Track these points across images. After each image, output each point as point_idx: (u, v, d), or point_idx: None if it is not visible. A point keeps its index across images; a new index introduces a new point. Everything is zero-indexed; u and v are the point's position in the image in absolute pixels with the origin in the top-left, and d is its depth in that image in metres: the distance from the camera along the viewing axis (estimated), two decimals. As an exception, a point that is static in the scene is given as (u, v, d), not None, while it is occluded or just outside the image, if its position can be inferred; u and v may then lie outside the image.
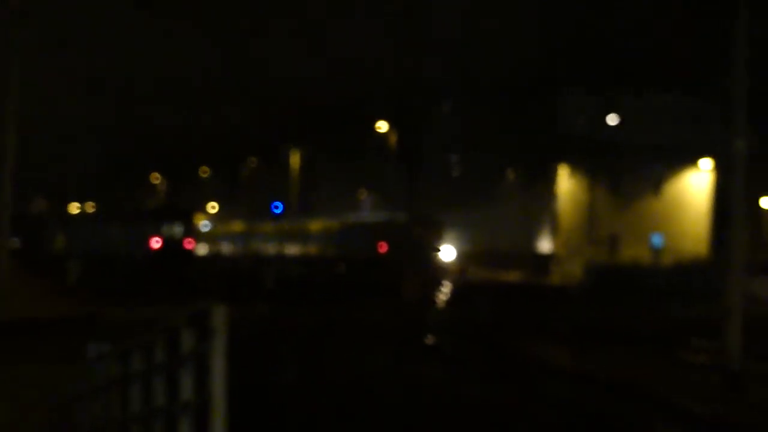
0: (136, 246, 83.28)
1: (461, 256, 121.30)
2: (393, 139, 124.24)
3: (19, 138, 40.47)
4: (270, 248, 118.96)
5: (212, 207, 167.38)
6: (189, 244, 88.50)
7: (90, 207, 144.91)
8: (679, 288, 67.97)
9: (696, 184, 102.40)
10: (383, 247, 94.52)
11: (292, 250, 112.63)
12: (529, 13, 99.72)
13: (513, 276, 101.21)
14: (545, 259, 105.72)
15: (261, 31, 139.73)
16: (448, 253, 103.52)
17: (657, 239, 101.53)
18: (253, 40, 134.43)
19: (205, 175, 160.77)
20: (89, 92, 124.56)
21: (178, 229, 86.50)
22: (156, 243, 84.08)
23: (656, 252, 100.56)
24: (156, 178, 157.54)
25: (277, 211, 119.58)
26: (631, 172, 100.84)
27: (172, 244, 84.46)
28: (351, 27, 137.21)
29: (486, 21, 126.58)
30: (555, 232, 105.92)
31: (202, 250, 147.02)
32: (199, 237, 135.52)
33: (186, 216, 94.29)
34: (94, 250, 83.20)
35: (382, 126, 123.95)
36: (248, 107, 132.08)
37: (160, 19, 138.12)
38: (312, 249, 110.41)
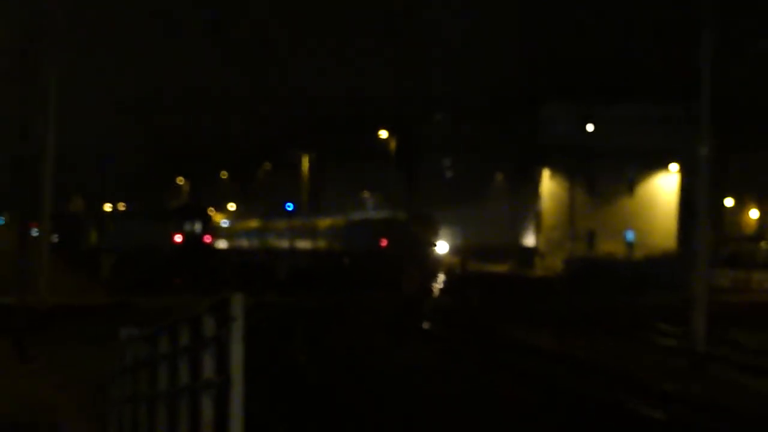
0: (161, 241, 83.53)
1: (458, 250, 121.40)
2: (393, 145, 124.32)
3: (57, 145, 40.45)
4: (282, 243, 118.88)
5: (231, 206, 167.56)
6: (207, 239, 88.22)
7: (121, 206, 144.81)
8: (650, 279, 67.98)
9: (665, 185, 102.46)
10: (384, 242, 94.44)
11: (302, 244, 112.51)
12: (513, 35, 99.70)
13: (500, 268, 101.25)
14: (529, 253, 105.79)
15: (277, 53, 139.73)
16: (442, 247, 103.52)
17: (630, 235, 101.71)
18: (269, 60, 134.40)
19: (224, 178, 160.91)
20: (122, 104, 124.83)
21: (197, 226, 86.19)
22: (178, 238, 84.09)
23: (629, 246, 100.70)
24: (180, 180, 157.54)
25: (290, 210, 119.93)
26: (607, 174, 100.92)
27: (192, 240, 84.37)
28: (358, 48, 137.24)
29: (476, 42, 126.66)
30: (538, 228, 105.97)
31: (221, 244, 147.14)
32: (216, 233, 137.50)
33: (204, 214, 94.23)
34: (124, 245, 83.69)
35: (383, 134, 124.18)
36: (263, 118, 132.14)
37: (187, 39, 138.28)
38: (320, 244, 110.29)
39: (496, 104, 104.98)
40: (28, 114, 33.14)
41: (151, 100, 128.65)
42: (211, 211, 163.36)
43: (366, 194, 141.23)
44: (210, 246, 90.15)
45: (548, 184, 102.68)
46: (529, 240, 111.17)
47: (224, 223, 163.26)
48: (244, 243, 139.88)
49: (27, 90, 32.56)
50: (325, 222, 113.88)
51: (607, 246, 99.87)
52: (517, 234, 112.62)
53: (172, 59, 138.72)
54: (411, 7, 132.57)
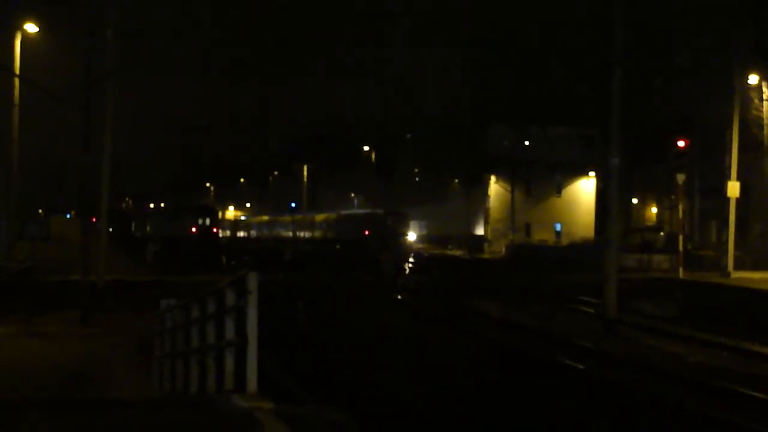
0: (182, 231, 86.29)
1: (421, 239, 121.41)
2: (373, 157, 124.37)
3: (113, 159, 40.36)
4: (287, 233, 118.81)
5: (248, 205, 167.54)
6: (214, 230, 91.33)
7: (162, 205, 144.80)
8: (573, 261, 68.01)
9: (585, 188, 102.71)
10: (366, 232, 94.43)
11: (303, 234, 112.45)
12: (466, 68, 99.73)
13: (457, 252, 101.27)
14: (479, 240, 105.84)
15: (279, 84, 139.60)
16: (412, 236, 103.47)
17: (558, 226, 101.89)
18: (274, 89, 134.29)
19: (242, 182, 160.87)
20: (163, 124, 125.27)
21: (207, 221, 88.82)
22: (194, 229, 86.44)
23: (558, 235, 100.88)
24: (208, 185, 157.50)
25: (293, 207, 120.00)
26: (540, 179, 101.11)
27: (203, 230, 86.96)
28: (346, 81, 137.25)
29: (437, 73, 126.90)
30: (486, 221, 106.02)
31: (240, 233, 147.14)
32: (223, 225, 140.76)
33: (212, 212, 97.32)
34: (159, 235, 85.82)
35: (366, 148, 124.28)
36: (272, 136, 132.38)
37: (215, 73, 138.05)
38: (317, 233, 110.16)
39: (452, 125, 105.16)
40: (90, 131, 33.00)
41: (187, 119, 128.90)
42: (231, 209, 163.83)
43: (352, 195, 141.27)
44: (216, 235, 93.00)
45: (494, 187, 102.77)
46: (479, 230, 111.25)
47: (242, 218, 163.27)
48: (257, 233, 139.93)
49: (89, 111, 32.41)
50: (320, 216, 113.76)
51: (541, 235, 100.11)
52: (470, 226, 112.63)
53: (203, 90, 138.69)
54: (384, 48, 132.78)
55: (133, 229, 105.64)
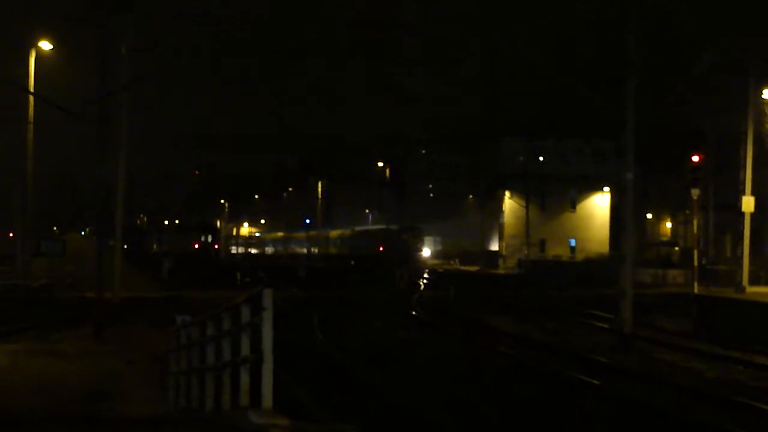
0: (187, 247, 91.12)
1: (435, 254, 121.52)
2: (387, 173, 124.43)
3: (128, 175, 40.58)
4: (302, 249, 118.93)
5: (262, 221, 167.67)
6: (215, 246, 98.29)
7: (176, 222, 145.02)
8: (588, 276, 67.92)
9: (599, 203, 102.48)
10: (381, 248, 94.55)
11: (317, 250, 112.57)
12: (479, 82, 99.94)
13: (471, 268, 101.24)
14: (494, 256, 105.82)
15: (294, 100, 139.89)
16: (426, 252, 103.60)
17: (572, 242, 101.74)
18: (290, 108, 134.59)
19: (257, 199, 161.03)
20: (181, 142, 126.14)
21: (209, 237, 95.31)
22: (196, 245, 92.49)
23: (572, 250, 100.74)
24: (222, 201, 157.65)
25: (307, 223, 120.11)
26: (554, 195, 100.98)
27: (205, 246, 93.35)
28: (357, 96, 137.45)
29: (449, 89, 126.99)
30: (501, 236, 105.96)
31: (255, 250, 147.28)
32: (237, 242, 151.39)
33: (214, 229, 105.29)
34: (169, 251, 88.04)
35: (380, 164, 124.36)
36: (286, 152, 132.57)
37: (231, 93, 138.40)
38: (331, 250, 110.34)
39: (466, 140, 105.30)
40: (105, 148, 33.16)
41: (201, 138, 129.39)
42: (245, 225, 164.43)
43: (367, 211, 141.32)
44: (217, 250, 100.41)
45: (509, 202, 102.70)
46: (494, 246, 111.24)
47: (257, 234, 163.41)
48: (272, 249, 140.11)
49: (105, 131, 32.58)
50: (335, 232, 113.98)
51: (555, 250, 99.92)
52: (485, 241, 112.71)
53: (217, 108, 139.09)
54: (398, 63, 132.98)
55: (149, 245, 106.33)
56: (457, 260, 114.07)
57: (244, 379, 11.94)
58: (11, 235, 62.76)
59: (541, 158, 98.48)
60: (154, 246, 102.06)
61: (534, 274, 77.52)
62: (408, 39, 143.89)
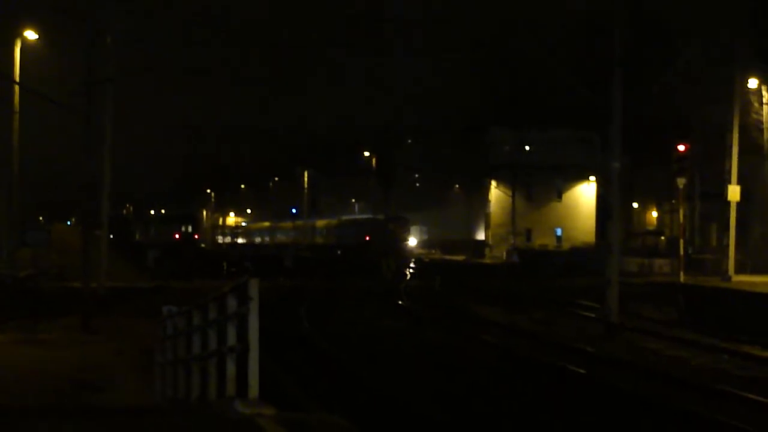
0: (167, 237, 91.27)
1: (422, 244, 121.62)
2: (374, 163, 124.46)
3: (113, 164, 40.53)
4: (288, 239, 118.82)
5: (248, 211, 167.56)
6: (196, 236, 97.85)
7: (163, 212, 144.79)
8: (574, 265, 67.99)
9: (586, 193, 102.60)
10: (367, 238, 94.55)
11: (304, 240, 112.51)
12: (466, 73, 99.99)
13: (458, 257, 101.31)
14: (480, 245, 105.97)
15: (280, 90, 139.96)
16: (413, 242, 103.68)
17: (558, 231, 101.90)
18: (278, 98, 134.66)
19: (243, 189, 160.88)
20: (169, 131, 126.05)
21: (189, 228, 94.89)
22: (177, 236, 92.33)
23: (558, 240, 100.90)
24: (208, 192, 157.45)
25: (294, 213, 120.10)
26: (540, 184, 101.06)
27: (186, 236, 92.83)
28: (346, 88, 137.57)
29: (436, 80, 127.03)
30: (487, 226, 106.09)
31: (239, 240, 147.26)
32: (223, 232, 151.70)
33: (194, 219, 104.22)
34: (153, 241, 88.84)
35: (366, 154, 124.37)
36: (273, 142, 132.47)
37: (218, 84, 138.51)
38: (318, 239, 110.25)
39: (453, 130, 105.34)
40: (90, 137, 33.11)
41: (188, 128, 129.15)
42: (231, 215, 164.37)
43: (353, 200, 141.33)
44: (197, 241, 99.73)
45: (495, 192, 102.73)
46: (480, 235, 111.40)
47: (243, 224, 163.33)
48: (258, 239, 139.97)
49: (90, 122, 32.51)
50: (321, 222, 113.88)
51: (541, 240, 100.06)
52: (471, 231, 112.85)
53: (205, 99, 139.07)
54: (383, 53, 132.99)
55: (134, 235, 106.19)
56: (438, 249, 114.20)
57: (231, 368, 11.95)
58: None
59: (527, 148, 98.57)
60: (137, 236, 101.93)
61: (521, 263, 77.49)
62: (394, 29, 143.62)
